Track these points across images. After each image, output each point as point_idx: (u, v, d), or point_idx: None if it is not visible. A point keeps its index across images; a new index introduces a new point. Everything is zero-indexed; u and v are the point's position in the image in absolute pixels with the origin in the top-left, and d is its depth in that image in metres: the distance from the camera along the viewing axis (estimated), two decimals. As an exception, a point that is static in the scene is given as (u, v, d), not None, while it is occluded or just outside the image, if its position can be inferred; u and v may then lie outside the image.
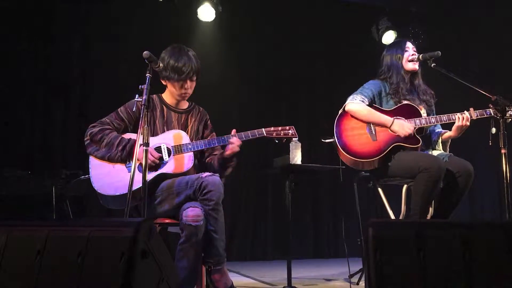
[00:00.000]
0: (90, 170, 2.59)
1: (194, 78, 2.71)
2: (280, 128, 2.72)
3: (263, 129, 2.71)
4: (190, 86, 2.72)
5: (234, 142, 2.63)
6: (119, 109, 2.71)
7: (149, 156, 2.49)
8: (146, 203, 2.13)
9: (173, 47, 2.72)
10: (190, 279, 2.39)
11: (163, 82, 2.76)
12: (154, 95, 2.79)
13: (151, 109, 2.71)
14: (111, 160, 2.57)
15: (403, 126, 2.93)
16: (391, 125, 2.95)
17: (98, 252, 1.49)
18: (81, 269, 1.48)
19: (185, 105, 2.85)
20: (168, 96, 2.79)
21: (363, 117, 3.01)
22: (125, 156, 2.56)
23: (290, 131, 2.72)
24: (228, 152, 2.65)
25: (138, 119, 2.64)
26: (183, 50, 2.69)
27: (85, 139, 2.62)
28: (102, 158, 2.58)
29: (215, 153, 2.79)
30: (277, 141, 2.74)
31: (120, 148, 2.55)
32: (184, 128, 2.76)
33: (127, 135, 2.65)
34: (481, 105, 2.95)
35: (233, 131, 2.69)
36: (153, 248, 1.51)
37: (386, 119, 2.98)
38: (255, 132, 2.69)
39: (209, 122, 2.90)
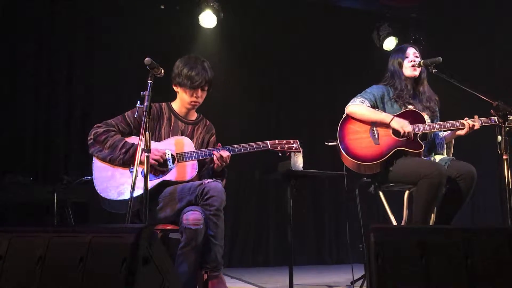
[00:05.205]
0: (93, 172, 2.59)
1: (206, 88, 2.75)
2: (284, 142, 2.74)
3: (267, 141, 2.72)
4: (200, 95, 2.75)
5: (216, 156, 2.60)
6: (126, 113, 2.72)
7: (155, 153, 2.51)
8: (147, 209, 2.13)
9: (189, 56, 2.78)
10: (190, 285, 2.38)
11: (175, 89, 2.79)
12: (163, 103, 2.82)
13: (158, 116, 2.73)
14: (112, 162, 2.57)
15: (403, 123, 2.92)
16: (390, 121, 2.95)
17: (99, 258, 1.48)
18: (83, 275, 1.47)
19: (193, 116, 2.86)
20: (178, 105, 2.81)
21: (362, 116, 3.02)
22: (127, 159, 2.56)
23: (294, 145, 2.74)
24: (216, 166, 2.65)
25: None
26: (198, 60, 2.75)
27: (89, 138, 2.63)
28: (104, 159, 2.58)
29: (211, 165, 2.78)
30: (280, 154, 2.76)
31: (123, 151, 2.56)
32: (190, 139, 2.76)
33: (131, 139, 2.66)
34: (482, 109, 2.95)
35: (218, 145, 2.69)
36: (154, 254, 1.50)
37: (386, 115, 2.98)
38: (260, 144, 2.70)
39: (214, 137, 2.91)
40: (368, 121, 3.03)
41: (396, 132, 2.98)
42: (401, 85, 3.10)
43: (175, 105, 2.83)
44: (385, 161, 2.94)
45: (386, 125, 2.99)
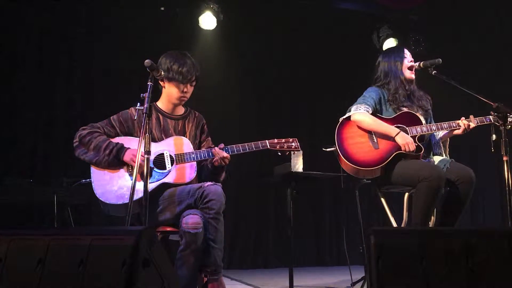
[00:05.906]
0: (91, 176, 2.57)
1: (194, 83, 2.76)
2: (283, 141, 2.72)
3: (266, 141, 2.70)
4: (189, 90, 2.75)
5: (216, 155, 2.59)
6: (111, 117, 2.71)
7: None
8: (147, 211, 2.13)
9: (174, 52, 2.76)
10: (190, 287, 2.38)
11: (162, 84, 2.75)
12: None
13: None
14: (98, 164, 2.55)
15: (406, 140, 2.89)
16: (396, 135, 2.93)
17: (99, 261, 1.48)
18: (82, 278, 1.47)
19: (181, 111, 2.85)
20: (164, 102, 2.79)
21: (368, 126, 2.99)
22: (112, 160, 2.53)
23: (293, 144, 2.73)
24: (216, 163, 2.63)
25: (129, 129, 2.68)
26: (185, 56, 2.74)
27: (74, 141, 2.61)
28: (90, 162, 2.56)
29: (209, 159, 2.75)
30: (279, 154, 2.74)
31: (107, 152, 2.53)
32: (182, 135, 2.75)
33: (117, 139, 2.64)
34: (482, 111, 2.95)
35: (221, 145, 2.66)
36: (155, 257, 1.50)
37: (392, 129, 2.95)
38: (259, 144, 2.68)
39: (205, 126, 2.90)
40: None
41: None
42: (396, 84, 3.09)
43: (160, 103, 2.80)
44: (385, 166, 2.92)
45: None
